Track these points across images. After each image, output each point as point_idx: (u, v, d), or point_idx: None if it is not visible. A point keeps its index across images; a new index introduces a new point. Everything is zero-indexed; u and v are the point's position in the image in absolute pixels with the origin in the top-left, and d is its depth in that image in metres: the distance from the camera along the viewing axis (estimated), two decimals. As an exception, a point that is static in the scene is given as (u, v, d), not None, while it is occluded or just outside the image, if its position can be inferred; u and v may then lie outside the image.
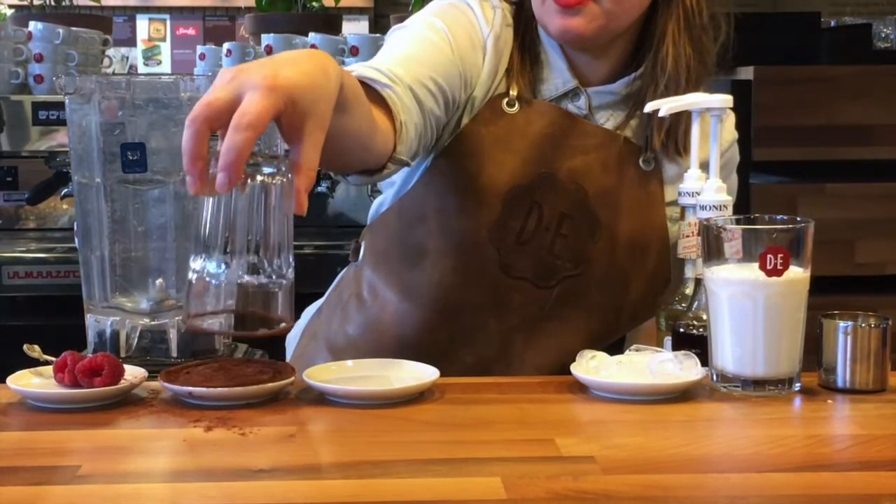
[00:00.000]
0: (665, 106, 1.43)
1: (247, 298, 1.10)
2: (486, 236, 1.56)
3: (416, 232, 1.60)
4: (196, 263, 1.09)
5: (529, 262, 1.57)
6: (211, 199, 1.08)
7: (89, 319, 1.38)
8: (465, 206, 1.57)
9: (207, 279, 1.09)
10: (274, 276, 1.10)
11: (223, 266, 1.08)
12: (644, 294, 1.58)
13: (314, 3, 3.23)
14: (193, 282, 1.09)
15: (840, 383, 1.26)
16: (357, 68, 1.40)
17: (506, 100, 1.58)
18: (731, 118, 1.69)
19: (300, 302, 1.23)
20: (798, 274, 1.24)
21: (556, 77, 1.61)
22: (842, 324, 1.26)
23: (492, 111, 1.57)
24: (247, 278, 1.09)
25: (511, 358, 1.59)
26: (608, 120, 1.61)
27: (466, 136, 1.56)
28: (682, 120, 1.59)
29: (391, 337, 1.59)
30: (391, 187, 1.65)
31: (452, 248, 1.58)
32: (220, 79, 1.10)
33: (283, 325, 1.11)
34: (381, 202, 1.68)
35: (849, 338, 1.25)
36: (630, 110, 1.61)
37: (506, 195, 1.56)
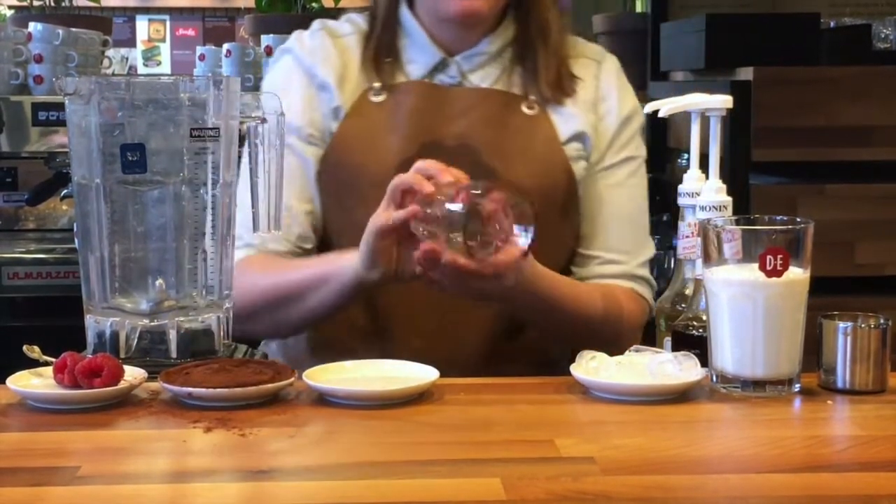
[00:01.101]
0: (664, 107, 1.43)
1: None
2: None
3: (330, 230, 1.65)
4: None
5: None
6: None
7: (89, 320, 1.38)
8: (361, 194, 1.59)
9: None
10: None
11: None
12: (561, 234, 1.64)
13: (314, 4, 3.23)
14: None
15: (840, 384, 1.26)
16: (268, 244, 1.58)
17: (371, 92, 1.64)
18: (611, 67, 1.73)
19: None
20: (798, 275, 1.24)
21: (422, 55, 1.67)
22: (841, 324, 1.26)
23: (361, 105, 1.64)
24: None
25: (455, 327, 1.59)
26: (483, 80, 1.67)
27: (343, 133, 1.62)
28: (559, 69, 1.66)
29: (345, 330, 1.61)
30: None
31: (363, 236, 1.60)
32: None
33: None
34: None
35: (848, 339, 1.25)
36: (507, 64, 1.67)
37: (396, 171, 1.55)
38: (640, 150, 1.74)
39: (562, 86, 1.66)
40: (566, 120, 1.66)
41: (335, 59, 1.67)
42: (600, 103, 1.69)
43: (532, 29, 1.66)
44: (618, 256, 1.68)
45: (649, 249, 1.75)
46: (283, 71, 1.71)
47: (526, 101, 1.65)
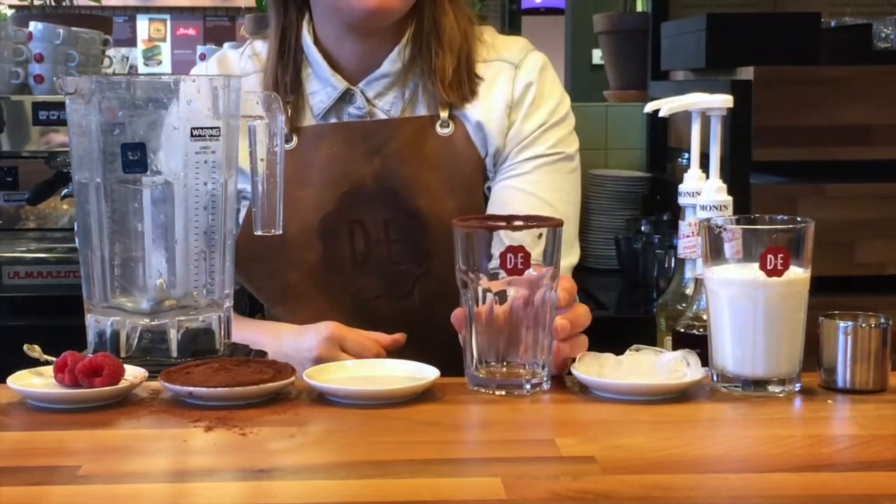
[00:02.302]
0: (665, 107, 1.43)
1: None
2: (322, 275, 1.56)
3: (264, 299, 1.63)
4: None
5: (377, 279, 1.57)
6: None
7: (89, 319, 1.38)
8: (287, 258, 1.55)
9: None
10: None
11: None
12: None
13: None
14: None
15: (840, 383, 1.26)
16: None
17: None
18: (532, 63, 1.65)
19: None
20: (798, 274, 1.24)
21: (324, 87, 1.60)
22: (842, 324, 1.26)
23: None
24: None
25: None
26: (393, 104, 1.60)
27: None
28: (459, 69, 1.58)
29: None
30: None
31: (298, 299, 1.58)
32: None
33: None
34: None
35: (849, 338, 1.25)
36: (412, 84, 1.60)
37: (319, 229, 1.56)
38: (561, 146, 1.63)
39: (460, 88, 1.59)
40: (480, 127, 1.59)
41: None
42: (514, 110, 1.61)
43: (425, 27, 1.59)
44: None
45: (573, 255, 1.64)
46: None
47: (439, 119, 1.59)
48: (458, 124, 1.60)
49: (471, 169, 1.59)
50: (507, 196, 1.59)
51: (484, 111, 1.61)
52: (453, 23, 1.61)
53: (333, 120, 1.61)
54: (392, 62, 1.60)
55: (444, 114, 1.59)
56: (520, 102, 1.62)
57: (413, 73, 1.61)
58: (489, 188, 1.62)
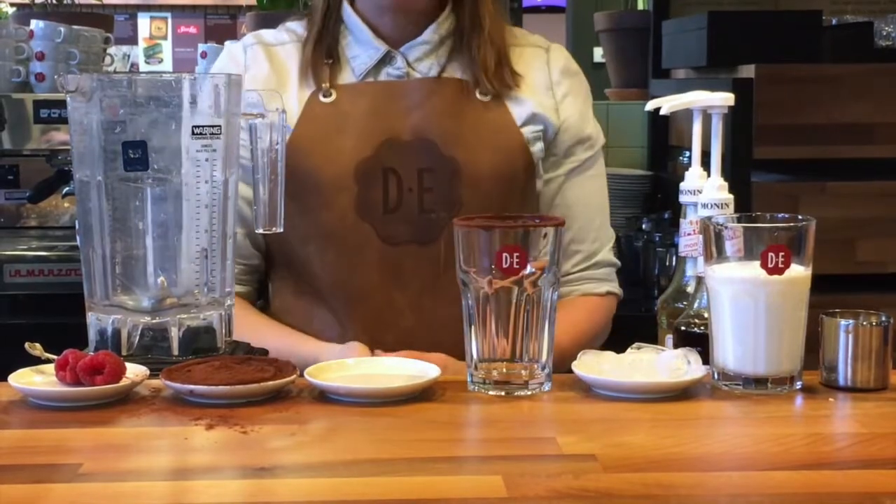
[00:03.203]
0: (667, 105, 1.43)
1: None
2: (354, 217, 1.60)
3: (294, 238, 1.64)
4: None
5: (406, 226, 1.62)
6: None
7: (90, 318, 1.38)
8: (322, 199, 1.60)
9: None
10: None
11: None
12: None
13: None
14: None
15: (841, 381, 1.26)
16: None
17: (320, 93, 1.64)
18: (559, 52, 1.75)
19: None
20: (799, 272, 1.24)
21: (365, 50, 1.66)
22: (843, 322, 1.26)
23: (311, 108, 1.63)
24: None
25: (427, 322, 1.61)
26: (431, 68, 1.67)
27: (297, 139, 1.60)
28: (499, 59, 1.66)
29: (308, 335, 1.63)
30: None
31: (328, 239, 1.62)
32: None
33: None
34: None
35: (850, 336, 1.25)
36: (450, 52, 1.68)
37: (355, 173, 1.61)
38: (599, 136, 1.77)
39: (502, 77, 1.67)
40: (520, 104, 1.67)
41: (268, 72, 1.67)
42: (556, 87, 1.71)
43: (466, 21, 1.66)
44: (586, 246, 1.73)
45: (612, 236, 1.81)
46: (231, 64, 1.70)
47: (479, 86, 1.66)
48: (496, 94, 1.66)
49: (507, 135, 1.65)
50: (578, 189, 1.73)
51: (525, 87, 1.69)
52: (491, 11, 1.68)
53: (370, 79, 1.67)
54: (433, 31, 1.67)
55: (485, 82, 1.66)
56: (560, 83, 1.71)
57: (451, 44, 1.68)
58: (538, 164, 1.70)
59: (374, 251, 1.62)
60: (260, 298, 1.77)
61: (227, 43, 1.75)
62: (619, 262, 1.80)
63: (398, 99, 1.64)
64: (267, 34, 1.74)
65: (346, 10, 1.69)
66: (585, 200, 1.74)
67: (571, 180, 1.73)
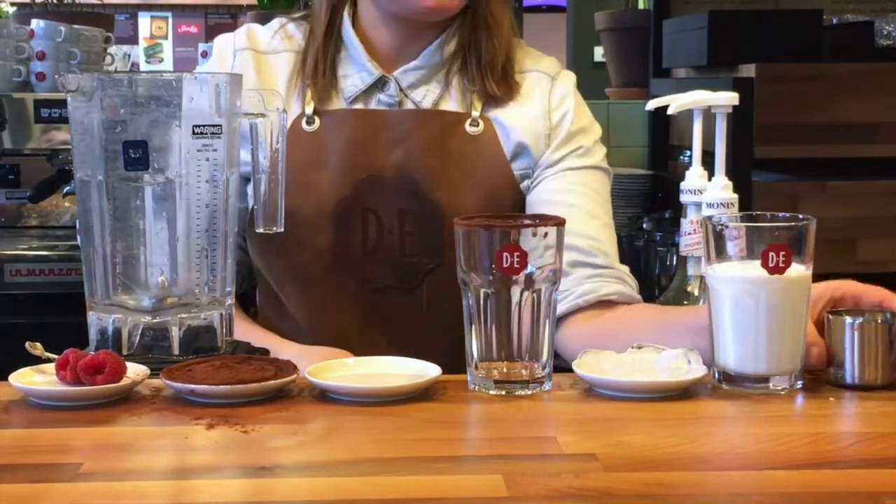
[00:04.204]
0: (673, 105, 1.43)
1: None
2: (331, 260, 1.55)
3: (271, 278, 1.62)
4: None
5: (386, 270, 1.56)
6: None
7: (91, 317, 1.38)
8: (298, 240, 1.55)
9: None
10: None
11: None
12: None
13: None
14: None
15: (849, 379, 1.26)
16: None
17: (304, 120, 1.57)
18: (566, 81, 1.66)
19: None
20: (800, 272, 1.24)
21: (357, 71, 1.59)
22: (849, 319, 1.26)
23: (293, 136, 1.53)
24: None
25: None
26: (425, 97, 1.59)
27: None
28: (506, 67, 1.60)
29: None
30: None
31: (305, 282, 1.58)
32: None
33: None
34: None
35: (856, 333, 1.25)
36: (447, 79, 1.60)
37: (333, 213, 1.55)
38: (599, 159, 1.65)
39: (508, 82, 1.60)
40: (510, 133, 1.59)
41: (253, 82, 1.58)
42: (553, 112, 1.62)
43: (479, 20, 1.59)
44: (596, 258, 1.57)
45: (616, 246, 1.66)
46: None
47: (469, 118, 1.58)
48: (487, 125, 1.59)
49: (496, 171, 1.58)
50: (571, 196, 1.59)
51: (519, 116, 1.60)
52: (508, 19, 1.63)
53: (361, 105, 1.60)
54: (431, 54, 1.60)
55: (475, 112, 1.59)
56: (557, 108, 1.62)
57: (452, 67, 1.61)
58: (525, 188, 1.61)
59: (352, 295, 1.57)
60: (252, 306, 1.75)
61: (218, 38, 1.67)
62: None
63: (383, 131, 1.57)
64: (262, 37, 1.65)
65: (346, 24, 1.61)
66: (579, 204, 1.60)
67: (554, 184, 1.61)
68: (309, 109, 1.58)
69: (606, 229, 1.62)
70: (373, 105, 1.60)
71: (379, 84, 1.60)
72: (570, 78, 1.67)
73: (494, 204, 1.56)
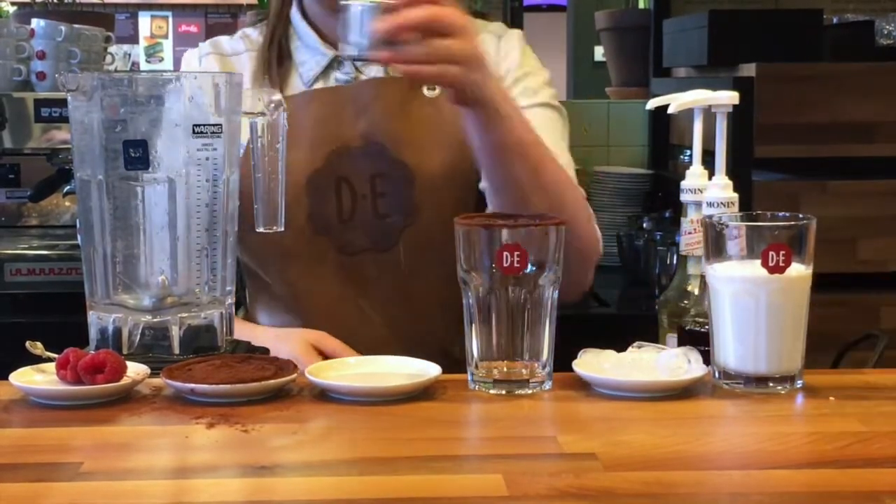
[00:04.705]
0: (673, 104, 1.43)
1: None
2: (310, 232, 1.60)
3: (252, 258, 1.65)
4: None
5: (363, 234, 1.61)
6: None
7: (91, 316, 1.38)
8: None
9: None
10: None
11: None
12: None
13: None
14: None
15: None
16: None
17: None
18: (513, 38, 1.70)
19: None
20: (800, 271, 1.24)
21: (312, 55, 1.66)
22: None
23: None
24: None
25: (400, 330, 1.60)
26: (379, 70, 1.64)
27: (247, 153, 1.53)
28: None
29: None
30: None
31: (286, 257, 1.61)
32: None
33: None
34: None
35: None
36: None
37: (306, 187, 1.60)
38: (548, 97, 1.67)
39: None
40: None
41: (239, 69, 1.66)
42: (500, 65, 1.65)
43: None
44: None
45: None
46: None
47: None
48: (444, 89, 1.61)
49: (458, 128, 1.60)
50: None
51: None
52: None
53: (321, 85, 1.67)
54: None
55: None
56: (505, 60, 1.67)
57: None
58: None
59: (332, 263, 1.62)
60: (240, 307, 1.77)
61: (185, 54, 1.76)
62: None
63: (346, 104, 1.63)
64: (224, 43, 1.73)
65: (295, 14, 1.69)
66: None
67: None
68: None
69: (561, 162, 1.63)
70: (332, 84, 1.66)
71: (334, 64, 1.66)
72: (516, 35, 1.72)
73: (460, 159, 1.59)
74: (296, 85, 1.67)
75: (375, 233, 1.61)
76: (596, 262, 1.63)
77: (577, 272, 1.52)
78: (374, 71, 1.65)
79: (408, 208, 1.60)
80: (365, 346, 1.57)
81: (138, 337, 1.35)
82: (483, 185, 1.57)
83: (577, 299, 1.62)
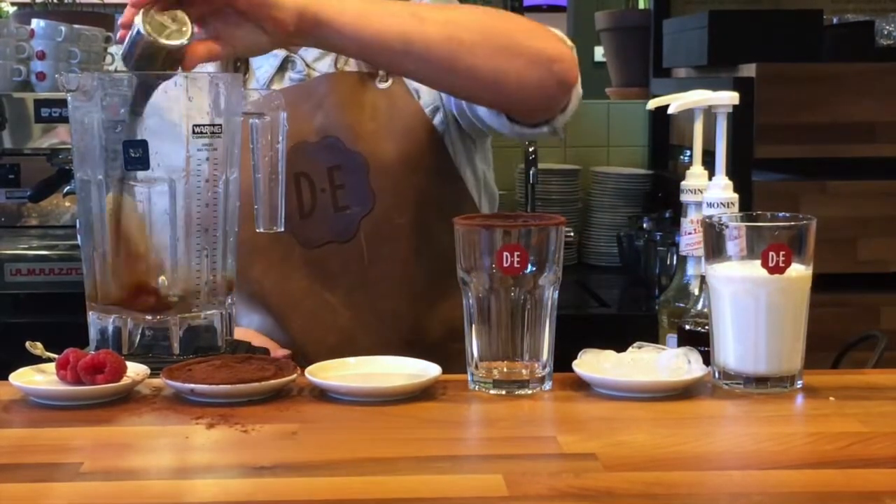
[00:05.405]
0: (674, 105, 1.43)
1: None
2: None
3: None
4: None
5: (324, 227, 1.63)
6: None
7: (91, 317, 1.38)
8: (240, 215, 1.55)
9: None
10: None
11: None
12: (443, 202, 1.63)
13: None
14: None
15: None
16: None
17: None
18: None
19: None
20: (800, 271, 1.24)
21: (266, 59, 1.67)
22: None
23: None
24: None
25: (365, 319, 1.62)
26: (330, 66, 1.67)
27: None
28: None
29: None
30: None
31: (251, 255, 1.62)
32: None
33: None
34: None
35: None
36: None
37: None
38: None
39: None
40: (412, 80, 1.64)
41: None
42: None
43: None
44: None
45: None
46: None
47: (378, 75, 1.65)
48: (396, 79, 1.65)
49: (411, 118, 1.65)
50: None
51: None
52: None
53: (276, 87, 1.68)
54: None
55: (382, 70, 1.65)
56: None
57: None
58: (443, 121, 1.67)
59: (297, 258, 1.64)
60: None
61: None
62: None
63: (301, 102, 1.65)
64: None
65: None
66: None
67: None
68: None
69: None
70: (286, 84, 1.68)
71: (287, 64, 1.69)
72: None
73: (413, 147, 1.63)
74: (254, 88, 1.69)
75: (337, 224, 1.63)
76: (561, 70, 1.56)
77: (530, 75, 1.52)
78: (325, 66, 1.67)
79: (364, 197, 1.63)
80: (334, 336, 1.60)
81: (138, 337, 1.36)
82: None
83: (553, 93, 1.56)
